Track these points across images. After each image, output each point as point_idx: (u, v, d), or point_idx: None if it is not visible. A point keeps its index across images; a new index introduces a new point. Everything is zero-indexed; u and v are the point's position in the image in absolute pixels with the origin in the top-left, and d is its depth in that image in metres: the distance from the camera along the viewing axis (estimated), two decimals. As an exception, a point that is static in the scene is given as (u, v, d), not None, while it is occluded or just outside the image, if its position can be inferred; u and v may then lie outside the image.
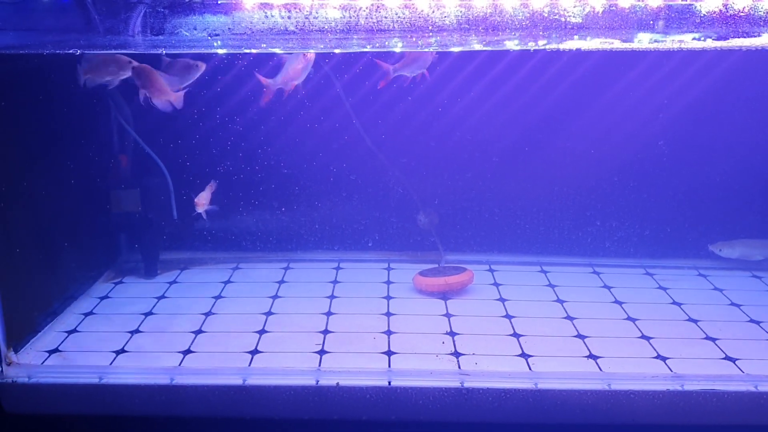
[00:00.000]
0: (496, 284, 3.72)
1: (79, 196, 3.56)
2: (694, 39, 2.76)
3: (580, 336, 3.13)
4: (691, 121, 3.76)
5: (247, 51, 3.20)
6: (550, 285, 3.71)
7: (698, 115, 3.74)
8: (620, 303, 3.48)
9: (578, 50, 3.25)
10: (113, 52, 2.91)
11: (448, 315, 3.35)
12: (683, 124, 3.76)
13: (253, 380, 2.76)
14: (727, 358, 2.94)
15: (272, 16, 2.65)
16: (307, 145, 3.86)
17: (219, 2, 2.71)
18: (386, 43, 2.75)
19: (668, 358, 2.92)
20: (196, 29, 2.70)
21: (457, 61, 3.63)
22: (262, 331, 3.18)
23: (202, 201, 3.30)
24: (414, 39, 2.68)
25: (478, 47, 2.83)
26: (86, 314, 3.37)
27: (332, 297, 3.56)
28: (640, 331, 3.17)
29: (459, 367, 2.85)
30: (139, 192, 3.75)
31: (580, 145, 3.81)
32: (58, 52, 2.95)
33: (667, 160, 3.83)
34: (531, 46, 2.79)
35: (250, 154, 3.87)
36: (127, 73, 2.89)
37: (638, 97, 3.70)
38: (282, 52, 2.96)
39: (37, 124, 3.18)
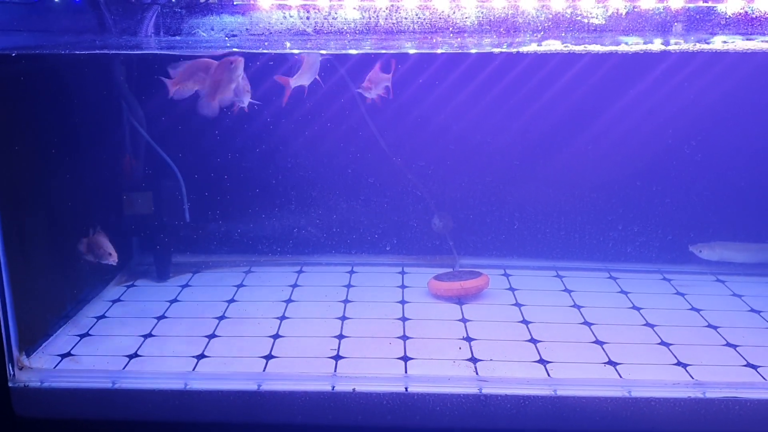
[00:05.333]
0: (512, 289, 3.68)
1: (92, 199, 3.54)
2: (715, 41, 2.73)
3: (598, 342, 3.09)
4: (715, 125, 3.71)
5: (265, 51, 3.18)
6: (566, 290, 3.67)
7: (723, 119, 3.70)
8: (638, 309, 3.43)
9: (598, 52, 3.21)
10: (127, 52, 2.89)
11: (464, 320, 3.31)
12: (707, 127, 3.72)
13: (268, 385, 2.73)
14: (749, 365, 2.90)
15: (291, 16, 2.62)
16: (323, 148, 3.84)
17: (234, 3, 2.69)
18: (405, 44, 2.72)
19: (689, 365, 2.88)
20: (213, 30, 2.67)
21: (476, 62, 3.59)
22: (276, 336, 3.15)
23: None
24: (434, 40, 2.66)
25: (498, 49, 2.80)
26: (99, 318, 3.35)
27: (346, 301, 3.52)
28: (660, 338, 3.13)
29: (476, 373, 2.81)
30: (151, 194, 3.73)
31: (601, 148, 3.77)
32: (72, 52, 2.93)
33: (690, 163, 3.78)
34: (551, 47, 2.76)
35: (266, 157, 3.84)
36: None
37: (661, 99, 3.65)
38: (299, 52, 2.93)
39: (51, 125, 3.16)
